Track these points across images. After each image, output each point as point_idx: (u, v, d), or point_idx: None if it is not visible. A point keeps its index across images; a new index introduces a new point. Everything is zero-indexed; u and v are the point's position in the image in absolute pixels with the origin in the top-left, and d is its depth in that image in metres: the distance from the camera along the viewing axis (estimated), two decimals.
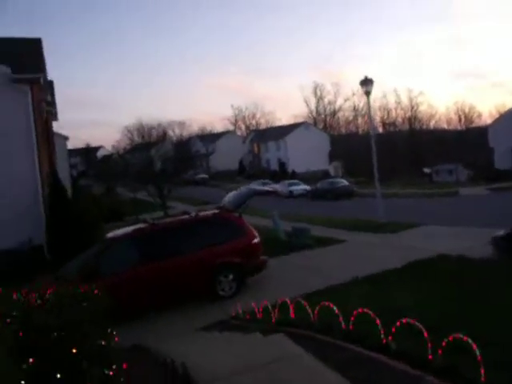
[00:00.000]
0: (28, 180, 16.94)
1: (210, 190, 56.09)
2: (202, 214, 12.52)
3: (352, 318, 6.04)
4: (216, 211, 12.81)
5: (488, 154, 49.86)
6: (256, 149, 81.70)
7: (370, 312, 5.72)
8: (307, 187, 41.65)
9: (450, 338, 4.61)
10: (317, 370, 4.83)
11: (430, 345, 4.87)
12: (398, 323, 5.30)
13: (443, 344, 4.71)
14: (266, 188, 16.51)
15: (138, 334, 9.62)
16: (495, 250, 11.35)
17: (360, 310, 5.88)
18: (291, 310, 7.70)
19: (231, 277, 11.63)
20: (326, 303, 6.53)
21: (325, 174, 59.01)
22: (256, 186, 14.79)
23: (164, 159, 36.69)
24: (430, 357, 4.83)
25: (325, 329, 6.47)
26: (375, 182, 19.97)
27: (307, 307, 7.13)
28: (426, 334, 4.91)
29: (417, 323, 5.04)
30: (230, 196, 13.74)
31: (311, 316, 6.96)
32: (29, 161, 16.90)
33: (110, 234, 12.45)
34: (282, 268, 13.38)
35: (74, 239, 15.74)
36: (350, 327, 6.07)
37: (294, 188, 42.58)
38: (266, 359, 5.15)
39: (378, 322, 5.57)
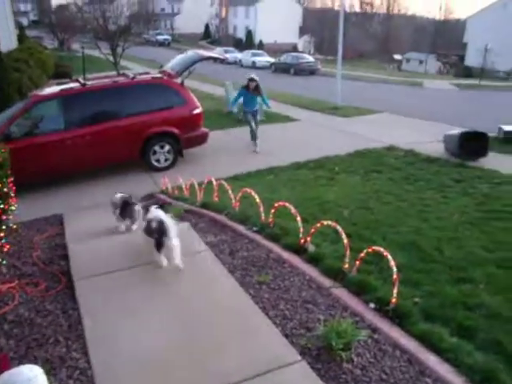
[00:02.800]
0: None
1: (172, 52, 53.15)
2: (139, 77, 11.27)
3: (273, 211, 5.39)
4: (156, 76, 11.58)
5: (461, 50, 48.33)
6: (224, 13, 76.79)
7: (292, 207, 5.05)
8: (271, 59, 39.66)
9: (370, 249, 4.02)
10: (211, 272, 4.19)
11: (347, 253, 4.30)
12: (318, 224, 4.68)
13: (361, 255, 4.13)
14: (215, 54, 15.02)
15: (59, 201, 9.22)
16: (446, 149, 10.81)
17: (282, 203, 5.20)
18: (215, 193, 7.05)
19: (167, 148, 10.93)
20: (249, 190, 5.82)
21: (293, 49, 56.55)
22: (204, 52, 13.26)
23: (124, 15, 33.78)
24: (346, 266, 4.27)
25: (243, 218, 5.84)
26: (338, 61, 18.72)
27: (230, 191, 6.46)
28: (345, 241, 4.30)
29: (338, 227, 4.41)
30: (175, 60, 12.39)
31: (233, 202, 6.31)
32: None
33: (36, 92, 11.23)
34: (225, 142, 12.75)
35: (8, 96, 14.61)
36: (269, 220, 5.44)
37: (257, 59, 40.50)
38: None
39: (298, 218, 4.93)
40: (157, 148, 10.84)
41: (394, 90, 26.84)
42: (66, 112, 10.10)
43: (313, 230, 4.72)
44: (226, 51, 45.01)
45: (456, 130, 10.95)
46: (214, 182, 7.01)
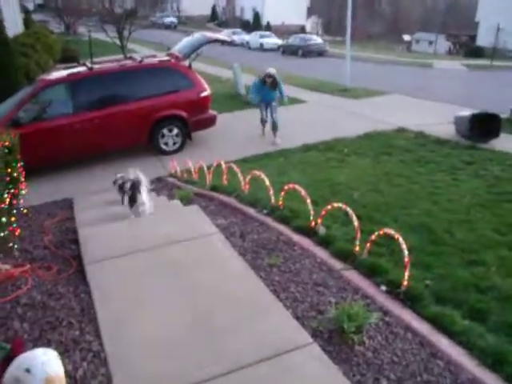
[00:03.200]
0: None
1: (179, 35, 52.87)
2: (147, 60, 11.21)
3: (283, 193, 5.36)
4: (163, 59, 11.51)
5: (473, 29, 47.43)
6: None
7: (302, 190, 5.02)
8: (279, 41, 39.27)
9: (381, 232, 4.00)
10: (221, 254, 4.17)
11: (358, 235, 4.27)
12: (329, 206, 4.65)
13: (372, 237, 4.11)
14: (222, 37, 14.88)
15: (69, 185, 9.36)
16: (456, 131, 10.68)
17: (292, 186, 5.17)
18: (224, 176, 7.03)
19: (175, 131, 10.93)
20: (257, 173, 5.79)
21: (301, 30, 55.90)
22: (209, 33, 13.12)
23: None
24: (357, 249, 4.26)
25: (253, 201, 5.82)
26: (347, 42, 18.49)
27: (239, 174, 6.43)
28: (356, 224, 4.28)
29: (349, 209, 4.39)
30: (182, 43, 12.29)
31: (242, 184, 6.29)
32: None
33: (43, 77, 11.21)
34: (233, 124, 12.70)
35: (15, 81, 14.62)
36: (279, 203, 5.42)
37: (264, 40, 40.12)
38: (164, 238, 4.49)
39: (308, 201, 4.90)
40: (165, 131, 10.85)
41: (404, 71, 26.53)
42: (74, 96, 10.10)
43: (323, 213, 4.69)
44: (234, 33, 44.67)
45: (467, 112, 10.80)
46: (223, 165, 6.99)
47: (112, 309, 3.41)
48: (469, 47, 41.41)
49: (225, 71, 23.35)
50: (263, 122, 11.69)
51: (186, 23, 67.94)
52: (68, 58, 28.27)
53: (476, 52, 36.61)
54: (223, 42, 13.88)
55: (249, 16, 66.93)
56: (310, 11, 69.15)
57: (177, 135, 10.97)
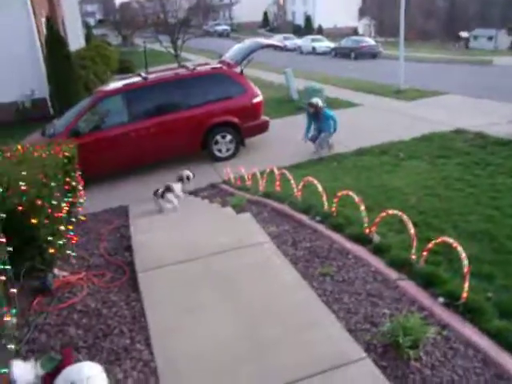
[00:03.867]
0: (22, 29, 15.88)
1: (231, 42, 53.47)
2: (199, 68, 11.35)
3: (336, 200, 5.25)
4: (215, 66, 11.63)
5: None
6: (282, 0, 76.12)
7: (356, 196, 4.89)
8: (331, 44, 38.92)
9: (439, 240, 3.82)
10: (273, 264, 4.10)
11: (414, 243, 4.11)
12: (383, 213, 4.50)
13: (429, 245, 3.94)
14: (274, 42, 14.87)
15: (125, 193, 9.61)
16: None
17: (345, 192, 5.05)
18: (277, 182, 6.97)
19: (228, 138, 11.01)
20: (310, 179, 5.70)
21: (353, 32, 55.27)
22: (263, 40, 13.12)
23: (183, 8, 34.17)
24: (413, 257, 4.09)
25: (306, 208, 5.73)
26: (400, 42, 18.06)
27: (292, 180, 6.36)
28: (412, 231, 4.12)
29: (405, 216, 4.23)
30: (234, 50, 12.37)
31: (295, 191, 6.21)
32: (21, 8, 15.75)
33: (101, 88, 11.58)
34: (285, 130, 12.52)
35: (75, 92, 15.28)
36: (332, 209, 5.30)
37: (316, 44, 39.87)
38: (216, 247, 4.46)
39: (362, 207, 4.77)
40: (218, 138, 10.94)
41: (460, 69, 25.62)
42: (130, 106, 10.36)
43: (378, 220, 4.55)
44: (286, 38, 44.73)
45: None
46: (276, 172, 6.94)
47: (162, 318, 3.42)
48: None
49: (277, 76, 23.36)
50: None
51: (238, 30, 68.56)
52: (124, 69, 29.24)
53: None
54: (275, 47, 13.85)
55: (300, 20, 66.84)
56: (362, 13, 68.26)
57: (230, 141, 11.04)
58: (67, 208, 5.29)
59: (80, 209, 7.09)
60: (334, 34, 52.68)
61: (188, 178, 7.70)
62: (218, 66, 11.59)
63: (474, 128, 11.08)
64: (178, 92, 10.69)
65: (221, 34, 64.52)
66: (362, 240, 4.65)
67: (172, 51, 29.09)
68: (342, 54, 35.58)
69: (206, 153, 11.04)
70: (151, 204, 8.87)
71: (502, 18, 54.28)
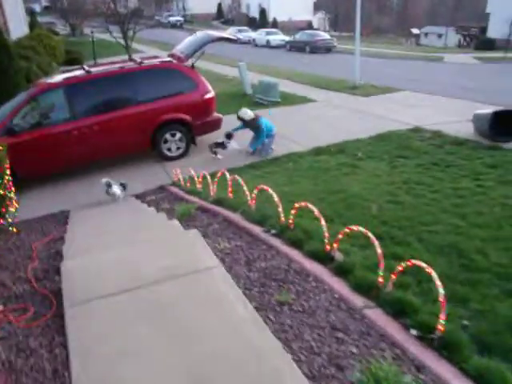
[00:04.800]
0: None
1: (184, 34, 52.43)
2: (147, 61, 10.65)
3: (294, 211, 4.77)
4: (165, 59, 10.96)
5: (483, 21, 46.22)
6: None
7: (315, 209, 4.43)
8: (286, 38, 38.58)
9: (409, 263, 3.40)
10: (223, 294, 3.56)
11: (382, 265, 3.68)
12: (346, 229, 4.05)
13: (399, 268, 3.51)
14: (226, 35, 14.27)
15: (67, 196, 9.05)
16: (476, 130, 10.02)
17: (304, 204, 4.57)
18: (229, 188, 6.44)
19: (178, 136, 10.40)
20: (265, 188, 5.20)
21: (308, 26, 55.16)
22: (214, 32, 12.46)
23: None
24: (381, 280, 3.66)
25: (260, 218, 5.23)
26: (356, 37, 17.82)
27: (244, 187, 5.83)
28: (379, 251, 3.68)
29: (370, 234, 3.79)
30: (185, 42, 11.72)
31: (249, 199, 5.70)
32: None
33: (40, 81, 10.73)
34: None
35: (15, 84, 14.23)
36: (289, 221, 4.82)
37: (271, 37, 39.44)
38: (158, 272, 3.87)
39: (322, 221, 4.31)
40: (168, 136, 10.35)
41: (414, 65, 25.80)
42: (71, 101, 9.59)
43: (340, 236, 4.10)
44: (240, 31, 44.16)
45: (487, 109, 10.16)
46: (228, 176, 6.41)
47: (91, 368, 2.82)
48: (479, 40, 40.35)
49: (231, 69, 22.82)
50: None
51: (192, 22, 67.47)
52: (72, 60, 27.93)
53: (487, 44, 35.62)
54: (228, 40, 13.28)
55: (255, 13, 66.27)
56: (317, 7, 68.36)
57: (180, 140, 10.46)
58: None
59: (10, 219, 6.38)
60: (288, 27, 52.45)
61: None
62: (168, 59, 10.93)
63: (432, 126, 10.92)
64: (124, 87, 9.98)
65: (174, 25, 63.44)
66: (323, 258, 4.19)
67: (122, 42, 27.99)
68: (296, 47, 35.32)
69: (155, 151, 10.42)
70: (93, 210, 8.27)
71: (451, 16, 55.56)
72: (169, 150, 10.43)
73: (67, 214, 8.24)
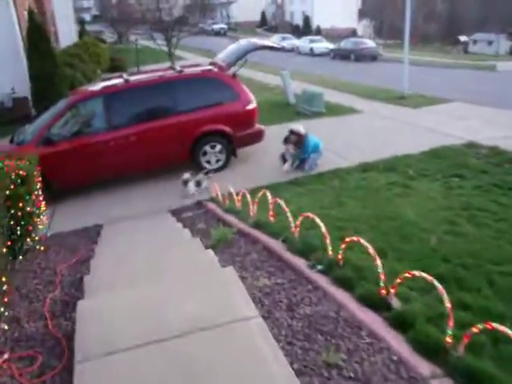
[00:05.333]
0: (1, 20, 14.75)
1: (228, 41, 52.40)
2: (187, 70, 10.28)
3: (343, 246, 4.19)
4: (206, 68, 10.55)
5: None
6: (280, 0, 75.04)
7: (369, 245, 3.83)
8: (330, 45, 37.87)
9: (488, 326, 2.78)
10: (260, 354, 2.98)
11: (451, 323, 3.05)
12: (406, 274, 3.44)
13: (474, 330, 2.88)
14: (270, 43, 13.80)
15: (101, 209, 8.78)
16: None
17: (356, 239, 3.98)
18: (271, 212, 5.89)
19: (218, 148, 9.97)
20: (311, 216, 4.63)
21: (352, 33, 54.25)
22: (256, 40, 11.96)
23: (179, 6, 33.01)
24: (449, 340, 3.04)
25: (304, 249, 4.66)
26: (404, 45, 17.04)
27: (288, 212, 5.25)
28: (449, 306, 3.07)
29: (435, 282, 3.18)
30: (227, 51, 11.30)
31: (292, 225, 5.13)
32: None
33: (78, 90, 10.52)
34: (282, 138, 11.21)
35: (59, 92, 14.25)
36: (339, 257, 4.24)
37: (315, 45, 38.79)
38: (184, 322, 3.31)
39: (377, 261, 3.72)
40: (207, 148, 9.90)
41: (464, 74, 24.63)
42: (108, 111, 9.31)
43: (398, 281, 3.51)
44: (283, 38, 43.73)
45: None
46: (270, 198, 5.85)
47: None
48: None
49: (273, 78, 22.34)
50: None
51: (236, 29, 67.56)
52: (115, 67, 28.15)
53: None
54: (272, 48, 12.79)
55: (299, 20, 65.81)
56: (361, 14, 67.30)
57: (220, 152, 10.02)
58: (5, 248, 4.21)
59: (37, 238, 6.04)
60: (332, 34, 51.65)
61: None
62: (209, 68, 10.53)
63: (488, 141, 10.10)
64: (162, 96, 9.63)
65: (218, 33, 63.73)
66: (377, 304, 3.60)
67: (165, 49, 27.96)
68: (341, 55, 34.59)
69: (194, 163, 10.02)
70: (127, 224, 7.93)
71: (502, 22, 53.47)
72: (208, 162, 10.00)
73: (100, 229, 7.91)
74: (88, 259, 5.59)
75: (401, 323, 3.36)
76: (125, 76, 10.04)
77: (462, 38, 54.24)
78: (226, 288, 3.58)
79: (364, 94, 17.88)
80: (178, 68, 10.35)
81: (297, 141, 9.45)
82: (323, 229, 4.33)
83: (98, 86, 9.92)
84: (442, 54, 39.02)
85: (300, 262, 4.46)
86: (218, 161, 10.07)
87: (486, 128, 11.48)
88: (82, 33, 34.84)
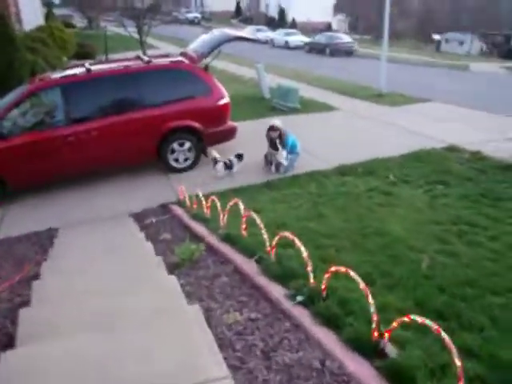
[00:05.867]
0: None
1: (202, 31, 51.40)
2: (156, 61, 9.54)
3: (327, 275, 3.60)
4: (176, 59, 9.83)
5: (507, 28, 44.70)
6: None
7: (359, 279, 3.25)
8: (305, 39, 37.34)
9: None
10: None
11: (461, 379, 2.52)
12: (405, 318, 2.89)
13: None
14: (244, 34, 13.14)
15: (57, 211, 8.13)
16: None
17: (342, 269, 3.40)
18: (243, 225, 5.25)
19: (187, 145, 9.31)
20: (290, 236, 4.02)
21: (327, 28, 53.89)
22: (230, 31, 11.21)
23: None
24: None
25: (282, 274, 4.07)
26: (383, 41, 16.58)
27: (263, 230, 4.62)
28: (458, 363, 2.52)
29: (446, 338, 2.63)
30: (199, 41, 10.60)
31: (267, 245, 4.52)
32: None
33: (35, 79, 9.67)
34: (256, 135, 10.02)
35: (19, 78, 13.33)
36: (322, 288, 3.66)
37: (290, 38, 38.23)
38: None
39: (369, 298, 3.15)
40: (175, 146, 9.23)
41: (439, 73, 24.34)
42: (67, 103, 8.53)
43: (394, 325, 2.95)
44: (258, 30, 43.03)
45: None
46: (242, 211, 5.22)
47: None
48: (503, 48, 38.71)
49: (247, 70, 21.68)
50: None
51: (210, 19, 66.61)
52: (84, 54, 27.00)
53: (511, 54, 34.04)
54: (247, 40, 12.15)
55: (274, 12, 65.13)
56: (337, 8, 67.00)
57: (189, 150, 9.37)
58: None
59: None
60: (307, 28, 51.14)
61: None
62: (179, 59, 9.81)
63: (470, 145, 9.72)
64: (127, 89, 8.89)
65: (191, 22, 62.97)
66: (368, 350, 3.03)
67: (137, 37, 26.94)
68: (316, 49, 34.11)
69: (161, 162, 9.35)
70: (88, 225, 7.33)
71: (473, 22, 53.91)
72: (176, 160, 9.35)
73: (54, 234, 7.19)
74: (33, 277, 4.88)
75: (398, 378, 2.80)
76: (86, 65, 9.24)
77: (436, 37, 54.44)
78: (188, 336, 2.93)
79: (340, 90, 17.36)
80: (146, 58, 9.60)
81: (279, 136, 8.81)
82: (305, 254, 3.74)
83: (57, 75, 9.11)
84: (416, 51, 38.92)
85: (277, 290, 3.86)
86: (186, 159, 9.42)
87: (467, 131, 11.11)
88: (48, 16, 33.35)
